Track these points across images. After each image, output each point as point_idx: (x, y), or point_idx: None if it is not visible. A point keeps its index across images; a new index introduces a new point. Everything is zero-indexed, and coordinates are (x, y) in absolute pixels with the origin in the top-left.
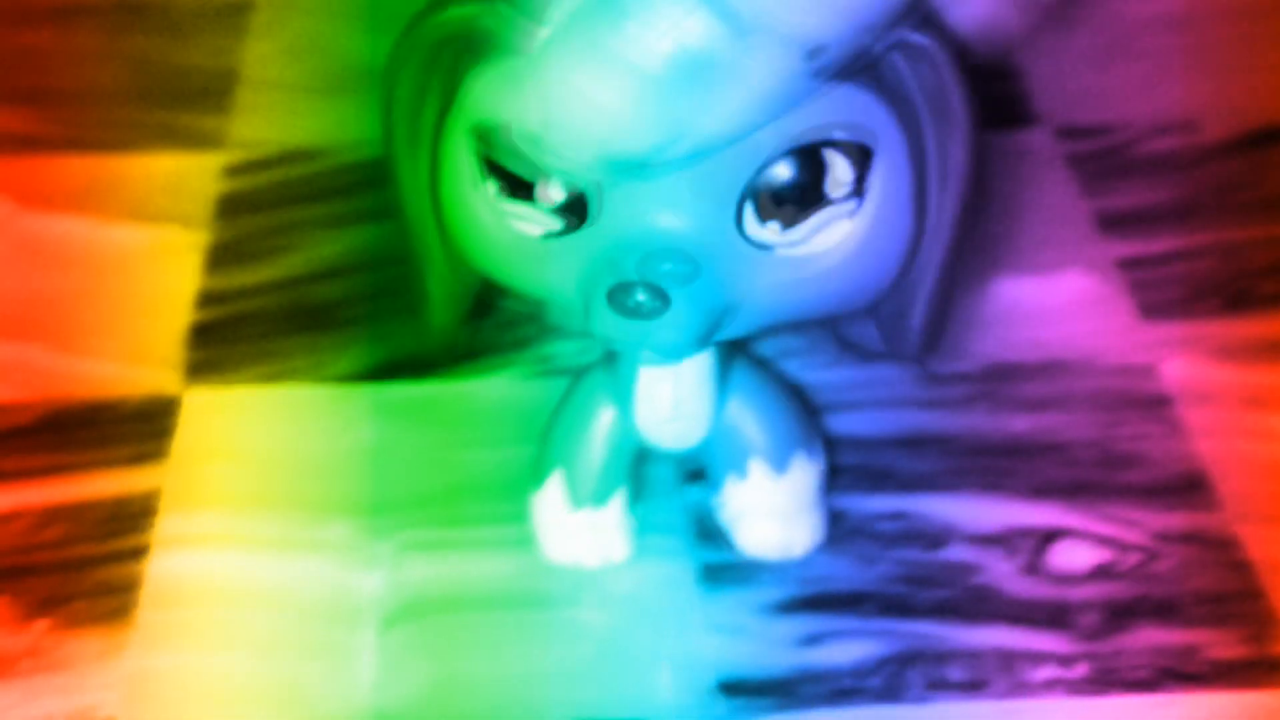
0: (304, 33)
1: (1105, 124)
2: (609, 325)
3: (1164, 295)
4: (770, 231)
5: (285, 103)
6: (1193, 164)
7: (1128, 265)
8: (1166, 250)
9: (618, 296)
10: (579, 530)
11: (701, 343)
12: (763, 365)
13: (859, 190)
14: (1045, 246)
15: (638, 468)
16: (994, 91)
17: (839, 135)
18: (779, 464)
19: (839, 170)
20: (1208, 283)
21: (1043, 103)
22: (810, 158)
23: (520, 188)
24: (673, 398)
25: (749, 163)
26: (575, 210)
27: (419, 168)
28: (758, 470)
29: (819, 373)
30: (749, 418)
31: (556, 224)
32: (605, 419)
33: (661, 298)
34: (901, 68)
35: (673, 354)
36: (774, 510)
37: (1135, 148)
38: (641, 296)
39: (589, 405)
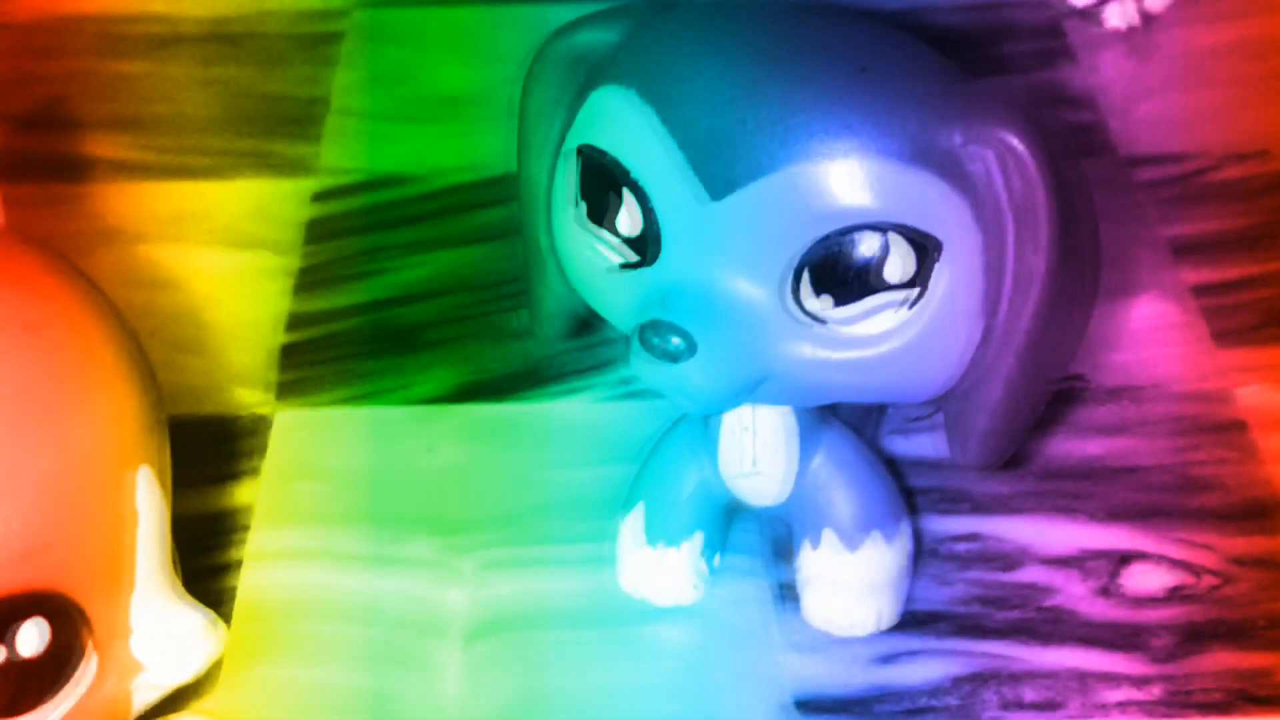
0: (391, 62)
1: (1178, 152)
2: (639, 363)
3: (1237, 321)
4: (822, 304)
5: (372, 130)
6: (1265, 192)
7: (1201, 291)
8: (1240, 277)
9: (646, 335)
10: (650, 565)
11: (732, 399)
12: (858, 437)
13: (921, 282)
14: (1119, 272)
15: (726, 517)
16: (1069, 119)
17: (903, 222)
18: (851, 540)
19: (900, 257)
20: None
21: (1117, 130)
22: (873, 240)
23: (603, 215)
24: (751, 453)
25: (811, 232)
26: (644, 248)
27: (539, 181)
28: (829, 542)
29: None
30: (829, 487)
31: (629, 257)
32: (690, 465)
33: (689, 345)
34: (989, 163)
35: (699, 403)
36: (840, 585)
37: (1208, 175)
38: (666, 339)
39: (683, 445)
